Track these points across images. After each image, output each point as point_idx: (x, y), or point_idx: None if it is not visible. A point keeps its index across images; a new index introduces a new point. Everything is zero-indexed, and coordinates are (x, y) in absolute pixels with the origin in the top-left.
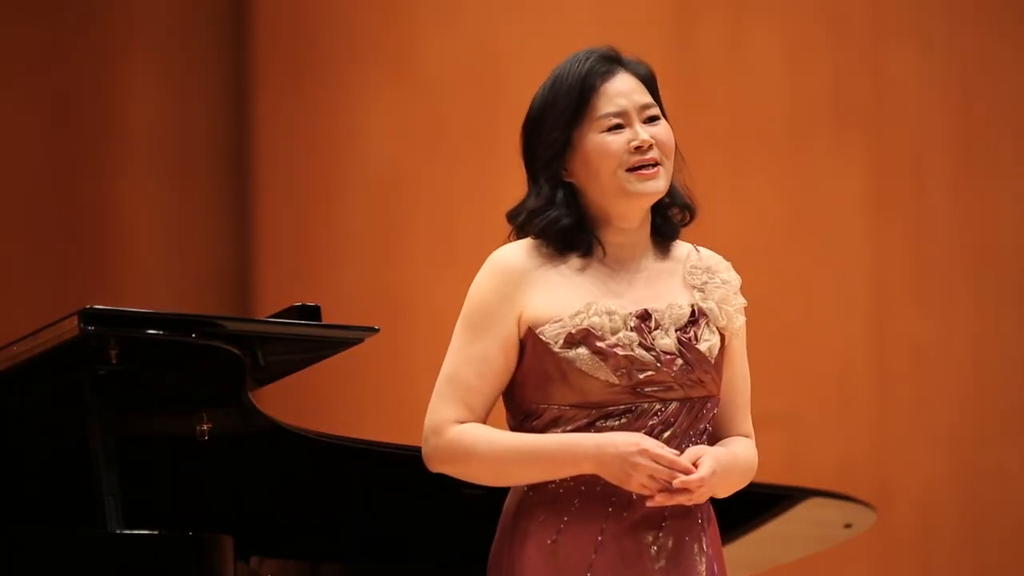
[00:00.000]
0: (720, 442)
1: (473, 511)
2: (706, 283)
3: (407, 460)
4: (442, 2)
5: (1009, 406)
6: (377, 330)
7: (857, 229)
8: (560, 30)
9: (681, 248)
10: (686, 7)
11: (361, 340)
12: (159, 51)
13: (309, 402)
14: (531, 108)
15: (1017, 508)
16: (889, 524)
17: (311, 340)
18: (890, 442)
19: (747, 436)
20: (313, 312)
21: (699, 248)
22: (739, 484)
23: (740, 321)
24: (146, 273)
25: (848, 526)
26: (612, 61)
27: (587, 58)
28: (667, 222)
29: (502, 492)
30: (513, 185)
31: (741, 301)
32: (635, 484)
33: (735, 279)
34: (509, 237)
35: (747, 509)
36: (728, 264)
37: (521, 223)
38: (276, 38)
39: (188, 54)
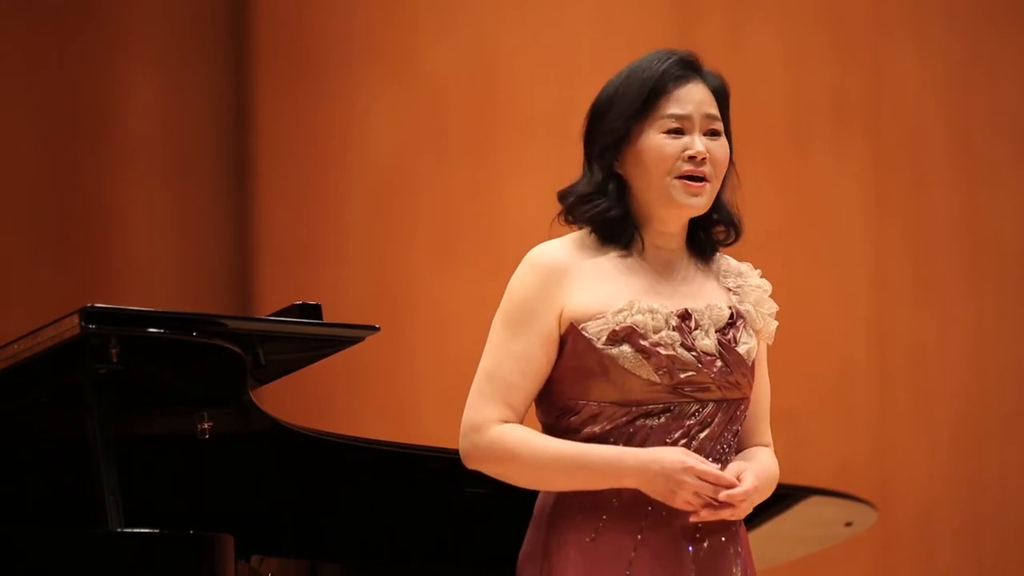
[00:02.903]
0: (743, 453)
1: (476, 510)
2: (740, 286)
3: (408, 459)
4: (442, 2)
5: (1009, 405)
6: (378, 329)
7: (857, 229)
8: (560, 30)
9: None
10: (686, 7)
11: (362, 339)
12: (159, 50)
13: (308, 400)
14: (600, 95)
15: (1017, 506)
16: (890, 523)
17: (312, 339)
18: (891, 441)
19: (768, 446)
20: (314, 311)
21: (724, 255)
22: (766, 496)
23: (774, 325)
24: (146, 272)
25: (849, 525)
26: (690, 67)
27: (667, 58)
28: (708, 237)
29: (507, 491)
30: (514, 184)
31: (774, 306)
32: (679, 501)
33: (767, 284)
34: (557, 218)
35: None
36: (758, 271)
37: (570, 206)
38: (276, 38)
39: (188, 53)
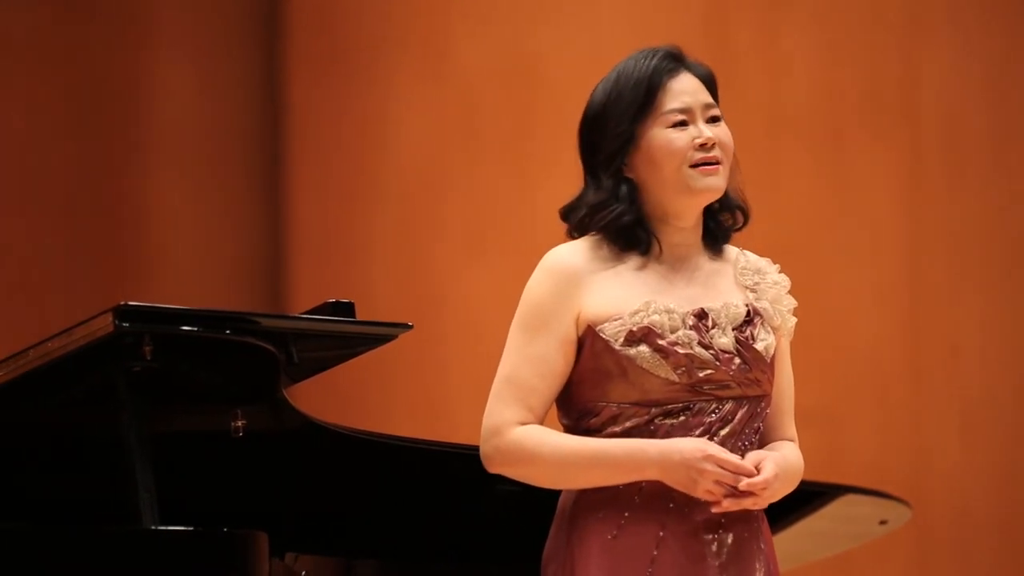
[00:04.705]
0: (766, 447)
1: (509, 508)
2: (758, 283)
3: (441, 457)
4: None
5: None
6: (410, 327)
7: (893, 225)
8: (593, 26)
9: (730, 251)
10: (719, 4)
11: (394, 337)
12: (192, 46)
13: (340, 398)
14: (591, 103)
15: None
16: (925, 521)
17: (345, 337)
18: (926, 439)
19: (792, 440)
20: (347, 309)
21: (745, 251)
22: (789, 489)
23: (792, 322)
24: (179, 267)
25: (883, 523)
26: (677, 60)
27: (653, 55)
28: (719, 226)
29: (539, 489)
30: (546, 181)
31: (792, 302)
32: (701, 490)
33: (785, 280)
34: (568, 234)
35: (783, 505)
36: (776, 266)
37: (581, 218)
38: (309, 34)
39: (221, 49)
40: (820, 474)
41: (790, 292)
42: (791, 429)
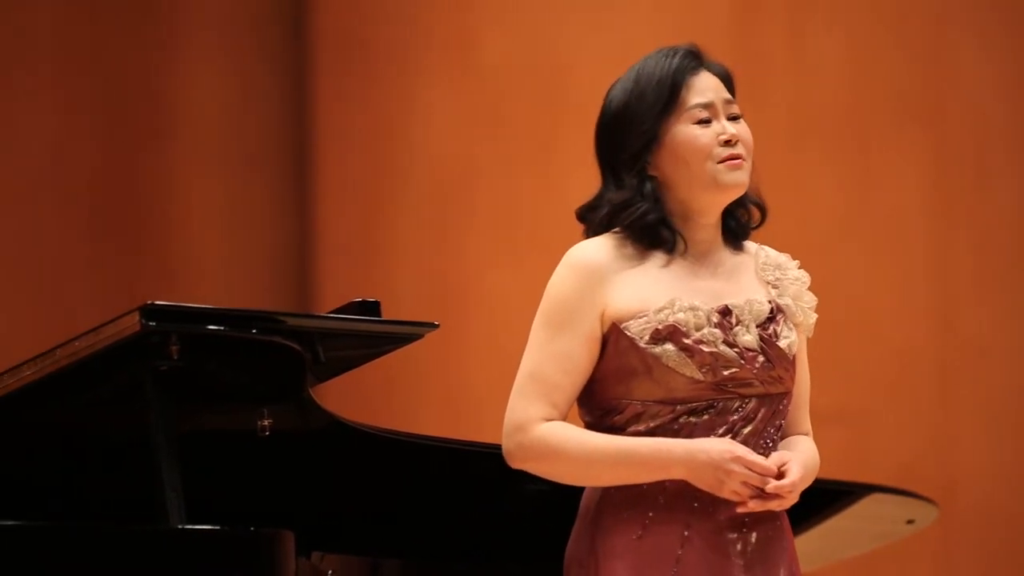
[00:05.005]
0: (784, 442)
1: (536, 507)
2: (779, 279)
3: (466, 455)
4: None
5: None
6: (437, 326)
7: (919, 225)
8: (621, 23)
9: (749, 245)
10: (746, 5)
11: (421, 336)
12: (220, 43)
13: (367, 397)
14: (611, 103)
15: None
16: (952, 520)
17: (371, 336)
18: (953, 438)
19: (808, 435)
20: (373, 308)
21: (764, 246)
22: (807, 484)
23: (813, 318)
24: (207, 265)
25: (910, 522)
26: (697, 58)
27: (674, 54)
28: (737, 222)
29: (568, 488)
30: (573, 179)
31: (813, 299)
32: (727, 491)
33: (805, 276)
34: (585, 235)
35: (809, 505)
36: (796, 262)
37: (604, 217)
38: (337, 31)
39: (249, 48)
40: (847, 473)
41: (816, 291)
42: (807, 423)
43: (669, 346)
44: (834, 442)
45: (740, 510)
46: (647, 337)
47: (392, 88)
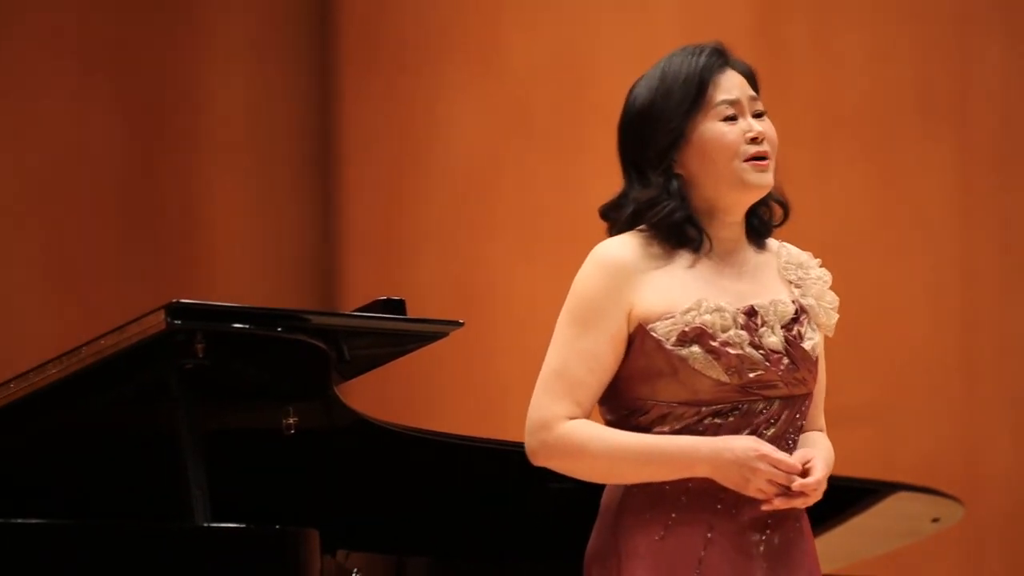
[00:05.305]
0: (802, 438)
1: (561, 505)
2: (802, 279)
3: (491, 454)
4: None
5: None
6: (462, 324)
7: (945, 223)
8: (645, 21)
9: (771, 243)
10: (772, 3)
11: (446, 334)
12: (244, 42)
13: (391, 395)
14: (635, 101)
15: None
16: (977, 518)
17: (396, 334)
18: (979, 436)
19: (823, 430)
20: (398, 306)
21: (786, 244)
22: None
23: (835, 319)
24: (232, 264)
25: (936, 520)
26: (723, 56)
27: (700, 52)
28: (761, 220)
29: (592, 486)
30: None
31: (835, 298)
32: (752, 489)
33: (827, 275)
34: (609, 233)
35: (835, 503)
36: (818, 260)
37: (629, 215)
38: (361, 30)
39: (274, 45)
40: (872, 471)
41: (840, 288)
42: (822, 420)
43: (696, 348)
44: (859, 440)
45: (765, 508)
46: (674, 339)
47: (417, 88)
